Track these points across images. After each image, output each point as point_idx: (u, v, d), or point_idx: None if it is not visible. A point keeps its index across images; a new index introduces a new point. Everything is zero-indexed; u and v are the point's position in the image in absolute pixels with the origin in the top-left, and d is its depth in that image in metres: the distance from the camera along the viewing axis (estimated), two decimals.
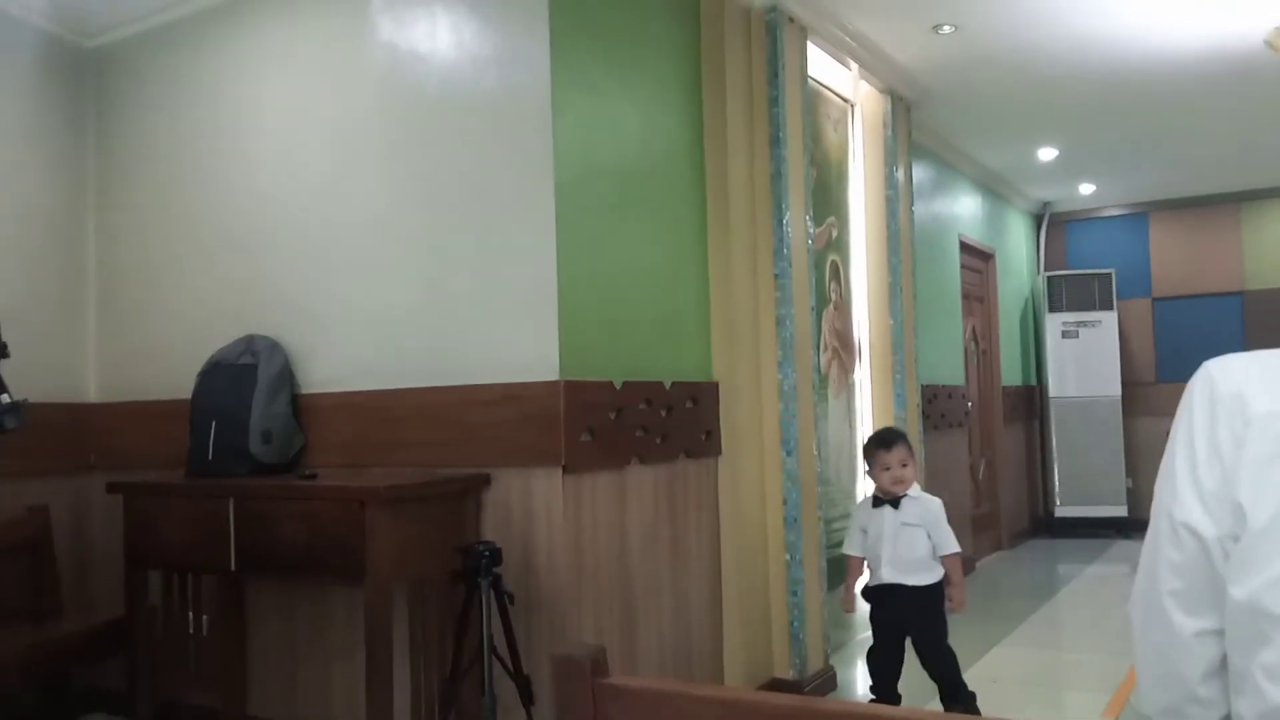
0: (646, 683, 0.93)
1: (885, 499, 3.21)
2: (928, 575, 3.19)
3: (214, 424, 3.18)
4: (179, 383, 3.40)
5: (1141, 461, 7.65)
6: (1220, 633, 0.99)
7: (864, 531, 3.28)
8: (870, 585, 3.29)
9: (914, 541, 3.18)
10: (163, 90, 3.76)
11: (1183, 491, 1.00)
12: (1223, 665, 0.99)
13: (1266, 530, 0.96)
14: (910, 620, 3.17)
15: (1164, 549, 1.01)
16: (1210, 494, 0.97)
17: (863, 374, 4.81)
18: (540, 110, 2.88)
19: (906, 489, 3.20)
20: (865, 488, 5.11)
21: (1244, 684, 1.00)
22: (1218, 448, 0.97)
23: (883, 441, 3.28)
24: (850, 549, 3.36)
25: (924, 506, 3.21)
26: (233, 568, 2.87)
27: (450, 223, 3.05)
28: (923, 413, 5.18)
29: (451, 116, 3.05)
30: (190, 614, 3.31)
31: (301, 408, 3.28)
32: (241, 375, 3.19)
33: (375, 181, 3.21)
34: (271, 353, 3.25)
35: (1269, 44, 3.67)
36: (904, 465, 3.20)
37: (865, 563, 3.30)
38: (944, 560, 3.22)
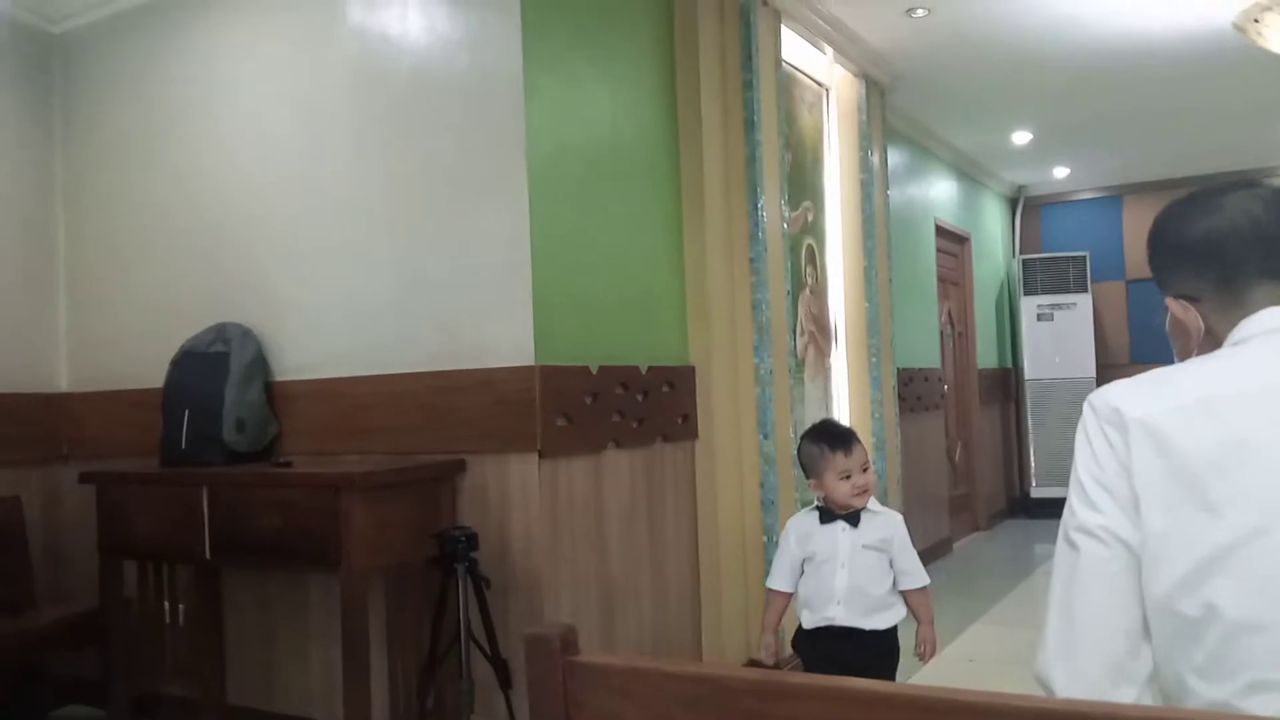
0: (616, 659, 0.93)
1: (840, 514, 2.57)
2: (888, 616, 2.54)
3: (187, 413, 3.15)
4: (151, 371, 3.37)
5: None
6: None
7: (803, 558, 2.61)
8: (810, 629, 2.59)
9: (875, 571, 2.53)
10: (131, 75, 3.72)
11: (1091, 503, 1.11)
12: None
13: (1165, 532, 1.05)
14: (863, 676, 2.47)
15: (1085, 558, 1.11)
16: (1119, 501, 1.09)
17: (839, 358, 4.83)
18: (512, 93, 2.86)
19: (867, 501, 2.59)
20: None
21: (1179, 688, 1.07)
22: (1108, 457, 1.11)
23: (839, 439, 2.60)
24: (778, 581, 2.66)
25: (889, 524, 2.58)
26: (207, 556, 2.85)
27: (422, 207, 3.03)
28: (899, 396, 5.21)
29: (423, 99, 3.03)
30: (166, 604, 3.30)
31: (275, 395, 3.26)
32: (214, 363, 3.16)
33: (346, 165, 3.19)
34: (243, 340, 3.22)
35: (1237, 27, 3.70)
36: (866, 470, 2.58)
37: (794, 599, 2.67)
38: (910, 597, 2.58)
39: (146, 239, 3.66)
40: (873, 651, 2.50)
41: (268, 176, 3.36)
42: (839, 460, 2.56)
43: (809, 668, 2.55)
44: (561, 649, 0.93)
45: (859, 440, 2.64)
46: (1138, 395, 1.12)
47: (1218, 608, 1.01)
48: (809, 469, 2.63)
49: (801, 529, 2.65)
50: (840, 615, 2.51)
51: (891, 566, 2.56)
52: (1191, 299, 1.24)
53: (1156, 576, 1.06)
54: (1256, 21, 3.46)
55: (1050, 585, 1.15)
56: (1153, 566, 1.06)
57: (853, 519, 2.57)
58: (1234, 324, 1.19)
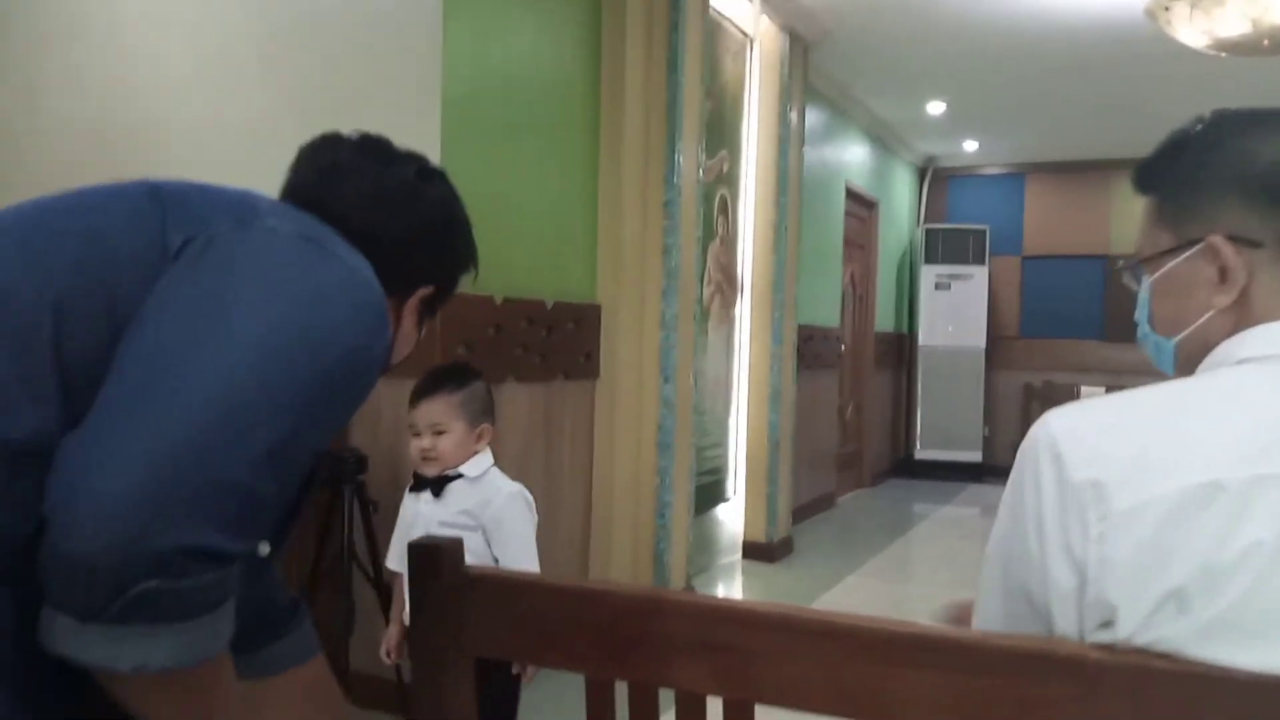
0: (499, 572, 0.93)
1: (425, 480, 2.08)
2: None
3: None
4: None
5: (1000, 411, 8.08)
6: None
7: (406, 532, 2.14)
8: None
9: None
10: None
11: (1031, 581, 0.83)
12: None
13: (1139, 631, 0.76)
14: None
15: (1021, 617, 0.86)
16: (1066, 594, 0.80)
17: (743, 309, 4.88)
18: (431, 18, 2.77)
19: (446, 467, 2.04)
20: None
21: None
22: (1070, 548, 0.79)
23: (417, 390, 2.06)
24: (395, 560, 2.19)
25: (486, 496, 2.03)
26: None
27: (338, 125, 2.92)
28: (798, 352, 5.31)
29: (336, 19, 2.91)
30: None
31: None
32: None
33: (251, 83, 3.05)
34: None
35: (1148, 13, 3.81)
36: (439, 433, 2.01)
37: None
38: None
39: (43, 156, 3.44)
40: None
41: (170, 85, 3.19)
42: (409, 414, 2.06)
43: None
44: (449, 562, 0.93)
45: (453, 389, 2.04)
46: (1131, 465, 0.79)
47: None
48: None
49: (407, 494, 2.18)
50: None
51: (490, 550, 2.04)
52: (1250, 243, 0.89)
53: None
54: (1167, 9, 3.57)
55: None
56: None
57: (435, 487, 2.04)
58: (1278, 305, 0.88)
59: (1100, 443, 0.81)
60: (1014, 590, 0.86)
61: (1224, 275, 0.89)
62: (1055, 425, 0.83)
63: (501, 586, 0.93)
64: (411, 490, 2.13)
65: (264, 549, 0.88)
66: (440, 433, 2.01)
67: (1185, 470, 0.76)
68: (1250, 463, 0.76)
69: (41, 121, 3.43)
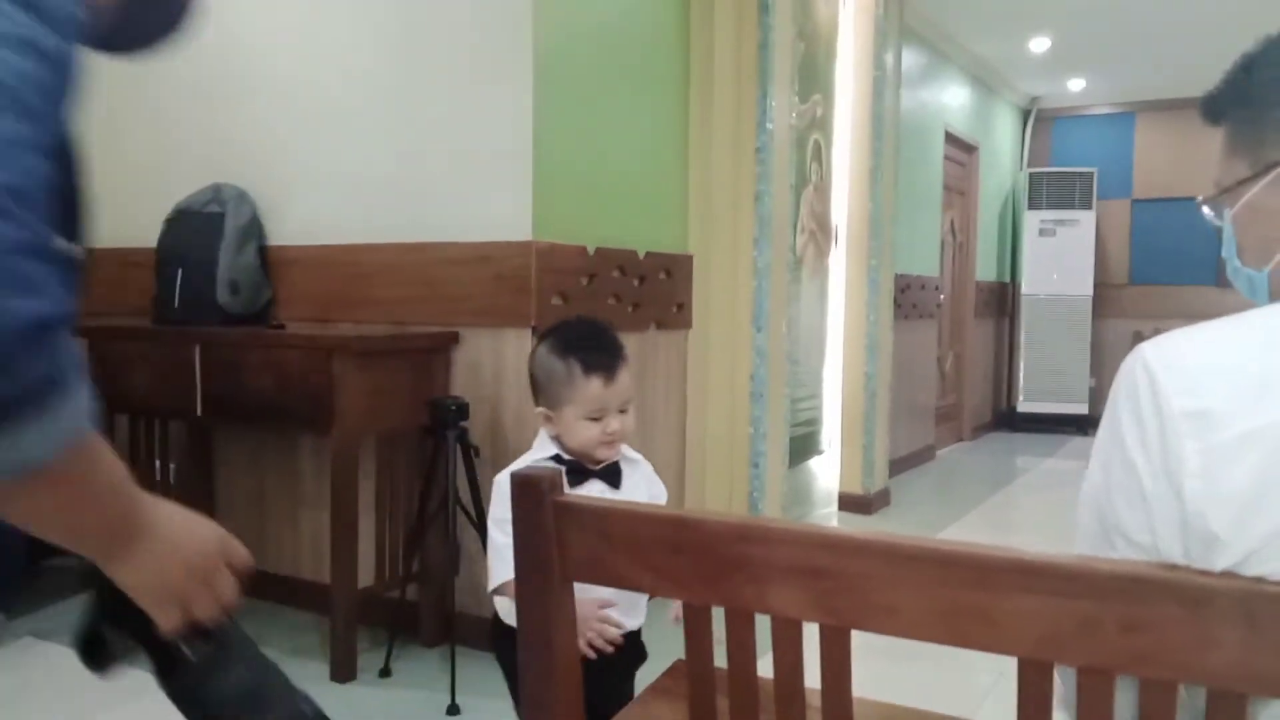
0: (596, 501, 0.95)
1: (591, 469, 1.69)
2: (643, 606, 1.74)
3: (180, 273, 3.14)
4: (143, 232, 3.34)
5: (1107, 361, 7.79)
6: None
7: None
8: None
9: None
10: None
11: (1132, 519, 0.82)
12: None
13: (1244, 564, 0.74)
14: (612, 693, 1.62)
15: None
16: (1169, 526, 0.78)
17: (838, 258, 4.80)
18: None
19: (617, 452, 1.72)
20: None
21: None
22: (1171, 477, 0.77)
23: (600, 359, 1.67)
24: (507, 569, 1.56)
25: (645, 473, 1.78)
26: (199, 413, 2.88)
27: (426, 78, 2.97)
28: (895, 302, 5.21)
29: None
30: (157, 461, 3.34)
31: (270, 260, 3.24)
32: (208, 224, 3.14)
33: (349, 34, 3.10)
34: (239, 202, 3.19)
35: None
36: (624, 411, 1.69)
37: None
38: None
39: (142, 97, 3.58)
40: (626, 659, 1.68)
41: (267, 38, 3.28)
42: (593, 388, 1.65)
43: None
44: (549, 489, 0.95)
45: (626, 360, 1.70)
46: (1226, 387, 0.75)
47: None
48: (543, 389, 1.70)
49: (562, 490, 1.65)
50: (616, 615, 1.60)
51: None
52: None
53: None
54: None
55: None
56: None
57: (612, 476, 1.70)
58: None
59: (1199, 371, 0.77)
60: (1112, 531, 0.83)
61: None
62: (1150, 354, 0.80)
63: (598, 514, 0.95)
64: (571, 485, 1.64)
65: (63, 244, 0.68)
66: (625, 410, 1.69)
67: None
68: None
69: (144, 74, 3.56)
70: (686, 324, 3.54)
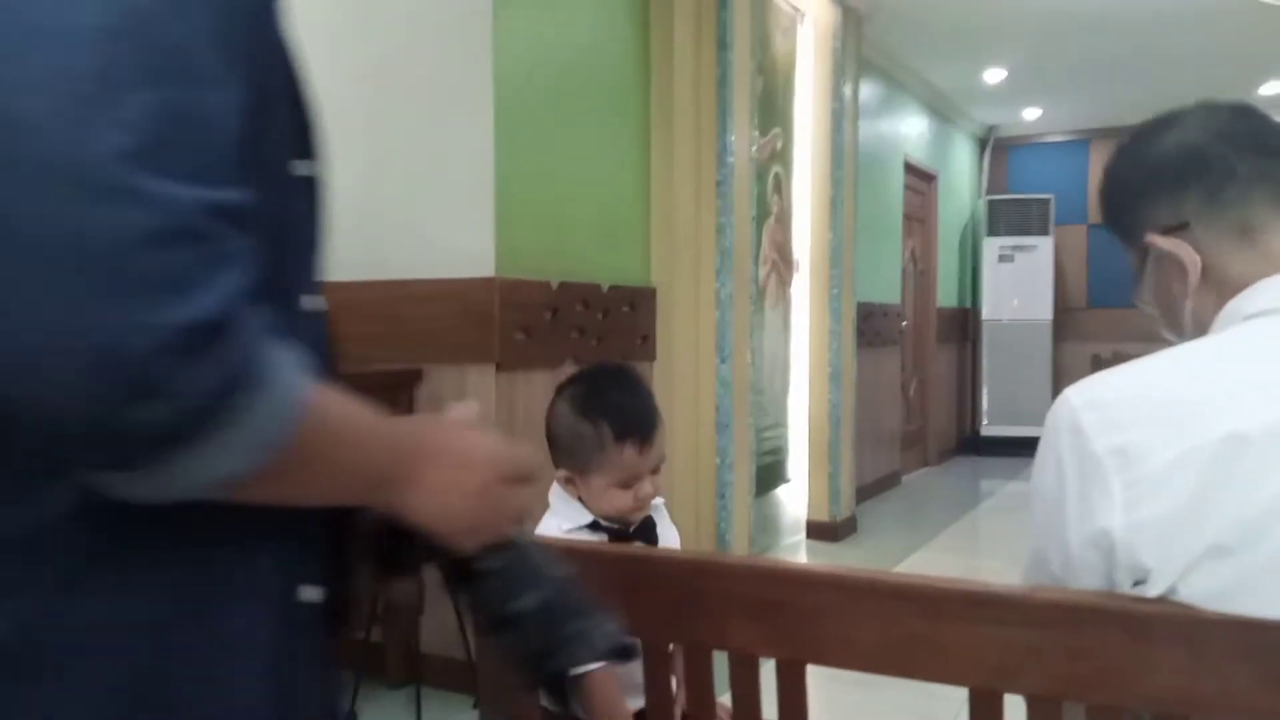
0: (557, 537, 0.96)
1: (628, 530, 1.54)
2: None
3: None
4: None
5: (1068, 383, 7.81)
6: None
7: None
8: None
9: None
10: None
11: (1061, 550, 0.85)
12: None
13: (1174, 589, 0.76)
14: None
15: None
16: (1093, 569, 0.81)
17: (800, 287, 4.85)
18: (482, 3, 2.80)
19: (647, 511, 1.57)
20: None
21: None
22: (1094, 519, 0.80)
23: (634, 424, 1.51)
24: None
25: (668, 522, 1.65)
26: None
27: (387, 109, 2.98)
28: (857, 329, 5.26)
29: (390, 3, 2.95)
30: None
31: None
32: None
33: (306, 68, 3.11)
34: None
35: None
36: (657, 471, 1.56)
37: None
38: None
39: None
40: None
41: None
42: (626, 458, 1.48)
43: None
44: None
45: (662, 422, 1.57)
46: (1148, 421, 0.80)
47: None
48: (566, 451, 1.54)
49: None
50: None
51: None
52: (1176, 227, 0.95)
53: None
54: None
55: None
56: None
57: (648, 533, 1.56)
58: (1244, 261, 0.90)
59: (1120, 408, 0.83)
60: (1048, 577, 0.88)
61: (1179, 264, 0.94)
62: (1074, 399, 0.88)
63: (554, 552, 0.95)
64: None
65: (236, 193, 0.56)
66: (657, 471, 1.54)
67: (1209, 425, 0.77)
68: (1270, 411, 0.77)
69: None
70: (651, 356, 3.55)
